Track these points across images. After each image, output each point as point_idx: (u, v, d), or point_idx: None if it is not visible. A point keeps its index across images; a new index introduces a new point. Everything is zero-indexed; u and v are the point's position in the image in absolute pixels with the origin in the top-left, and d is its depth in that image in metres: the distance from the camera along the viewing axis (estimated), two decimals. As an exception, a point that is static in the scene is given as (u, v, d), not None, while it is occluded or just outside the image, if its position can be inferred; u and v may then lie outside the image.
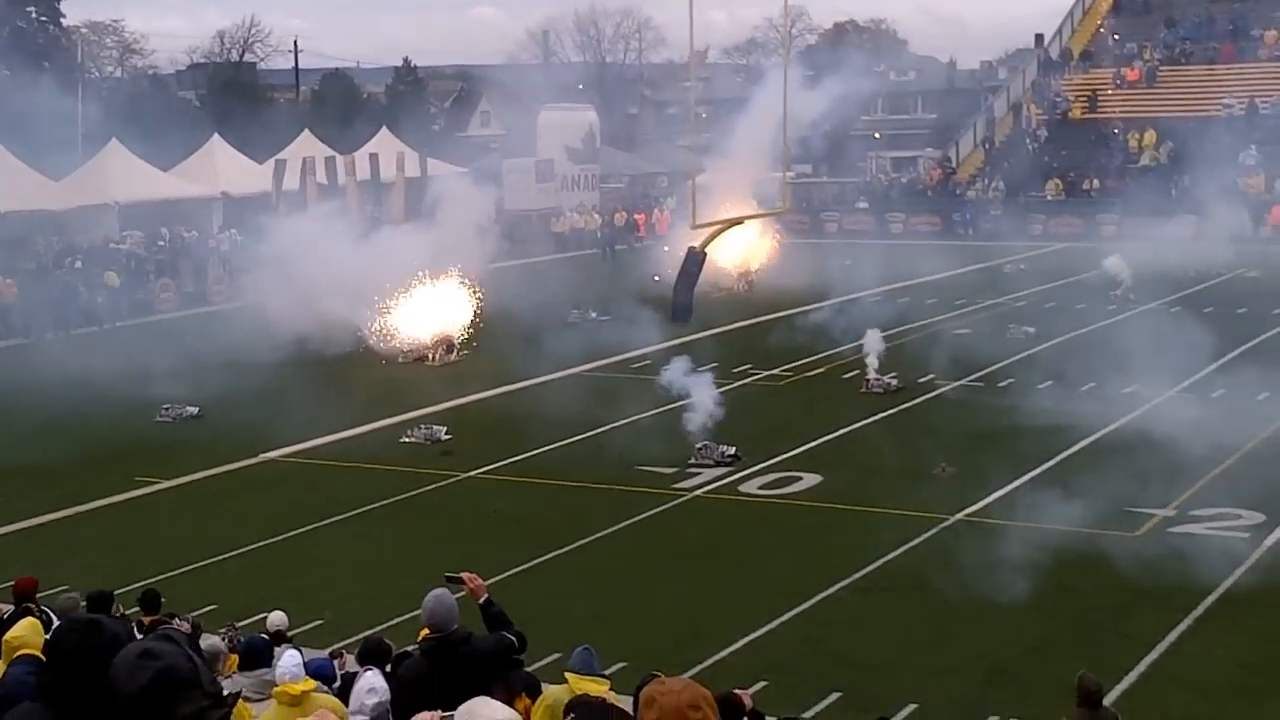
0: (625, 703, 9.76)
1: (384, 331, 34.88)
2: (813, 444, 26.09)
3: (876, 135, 78.20)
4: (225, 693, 4.20)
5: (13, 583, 14.00)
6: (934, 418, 28.00)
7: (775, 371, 32.96)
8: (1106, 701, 12.28)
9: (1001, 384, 30.66)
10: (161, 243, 49.88)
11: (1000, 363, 32.38)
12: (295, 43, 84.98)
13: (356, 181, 51.57)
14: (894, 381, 30.38)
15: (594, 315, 40.84)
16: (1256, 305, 39.64)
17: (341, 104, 76.03)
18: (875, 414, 28.34)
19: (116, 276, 44.66)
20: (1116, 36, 73.05)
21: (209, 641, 11.92)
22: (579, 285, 44.71)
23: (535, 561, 19.75)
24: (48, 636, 4.66)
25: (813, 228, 64.35)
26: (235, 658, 12.47)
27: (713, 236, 41.94)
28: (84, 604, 13.64)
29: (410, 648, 11.73)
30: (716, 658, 16.12)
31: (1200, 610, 17.17)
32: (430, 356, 35.14)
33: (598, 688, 10.34)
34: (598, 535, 20.97)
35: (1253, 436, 24.97)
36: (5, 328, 41.20)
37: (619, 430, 27.08)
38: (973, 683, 15.31)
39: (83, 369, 32.70)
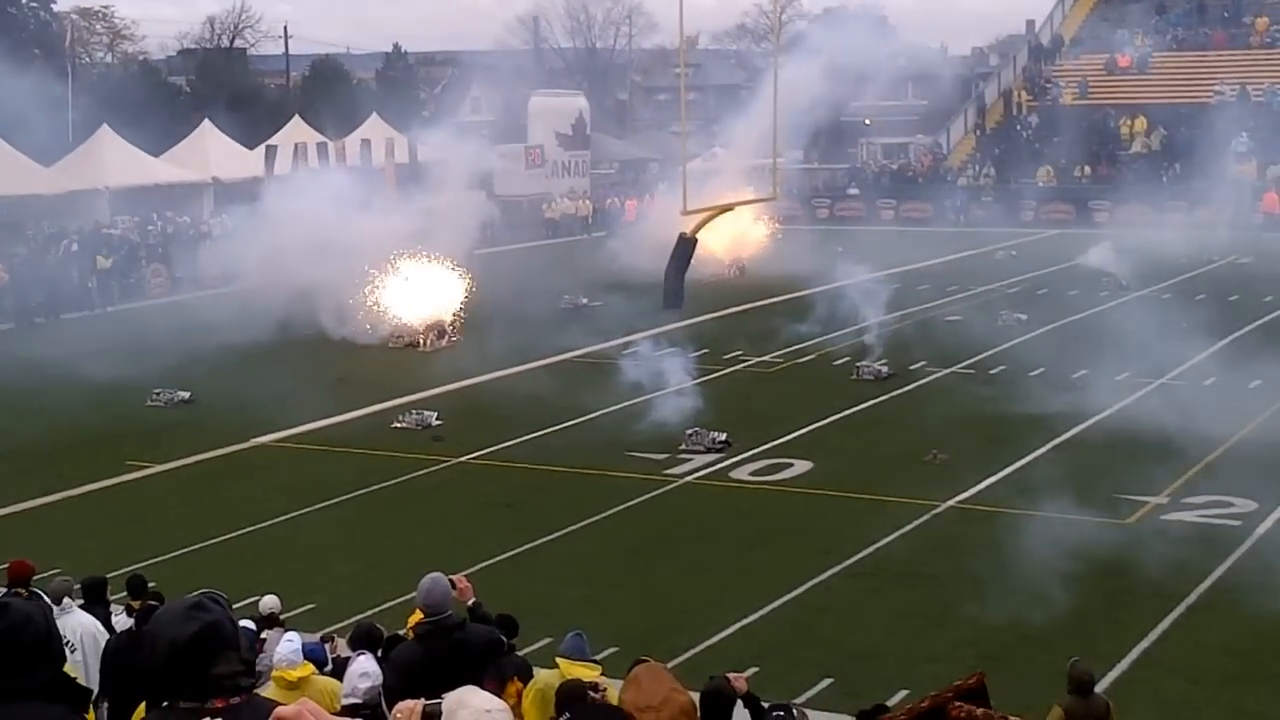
0: (616, 686, 9.79)
1: (374, 313, 34.82)
2: (804, 430, 26.09)
3: (867, 121, 78.08)
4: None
5: (7, 566, 14.00)
6: (925, 405, 28.00)
7: (766, 358, 32.94)
8: (1098, 689, 12.27)
9: (993, 371, 30.67)
10: (152, 228, 49.80)
11: (992, 350, 32.39)
12: (285, 28, 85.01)
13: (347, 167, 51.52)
14: (885, 368, 30.40)
15: (584, 301, 40.86)
16: (1248, 292, 39.67)
17: (332, 90, 75.82)
18: (866, 401, 28.33)
19: (107, 260, 44.58)
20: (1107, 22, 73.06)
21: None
22: (570, 271, 44.64)
23: (526, 547, 19.74)
24: None
25: (804, 214, 64.34)
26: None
27: (703, 223, 41.90)
28: (78, 587, 13.68)
29: (401, 632, 11.72)
30: (708, 643, 16.12)
31: (1192, 598, 17.17)
32: (422, 342, 35.11)
33: (589, 673, 10.35)
34: (589, 521, 20.96)
35: (1244, 424, 24.96)
36: (-2, 311, 41.16)
37: (610, 416, 27.06)
38: (964, 669, 15.19)
39: (74, 353, 32.65)
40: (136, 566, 17.87)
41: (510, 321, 35.87)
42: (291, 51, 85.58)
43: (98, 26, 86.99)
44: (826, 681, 15.01)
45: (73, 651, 11.90)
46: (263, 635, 12.78)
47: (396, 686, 9.31)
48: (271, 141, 54.41)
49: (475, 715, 4.86)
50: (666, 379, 28.54)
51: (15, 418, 28.18)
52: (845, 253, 46.32)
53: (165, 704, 4.24)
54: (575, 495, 22.19)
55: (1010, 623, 16.29)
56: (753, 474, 23.40)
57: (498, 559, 19.00)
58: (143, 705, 8.51)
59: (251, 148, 55.94)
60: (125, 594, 14.58)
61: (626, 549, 19.93)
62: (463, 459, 24.72)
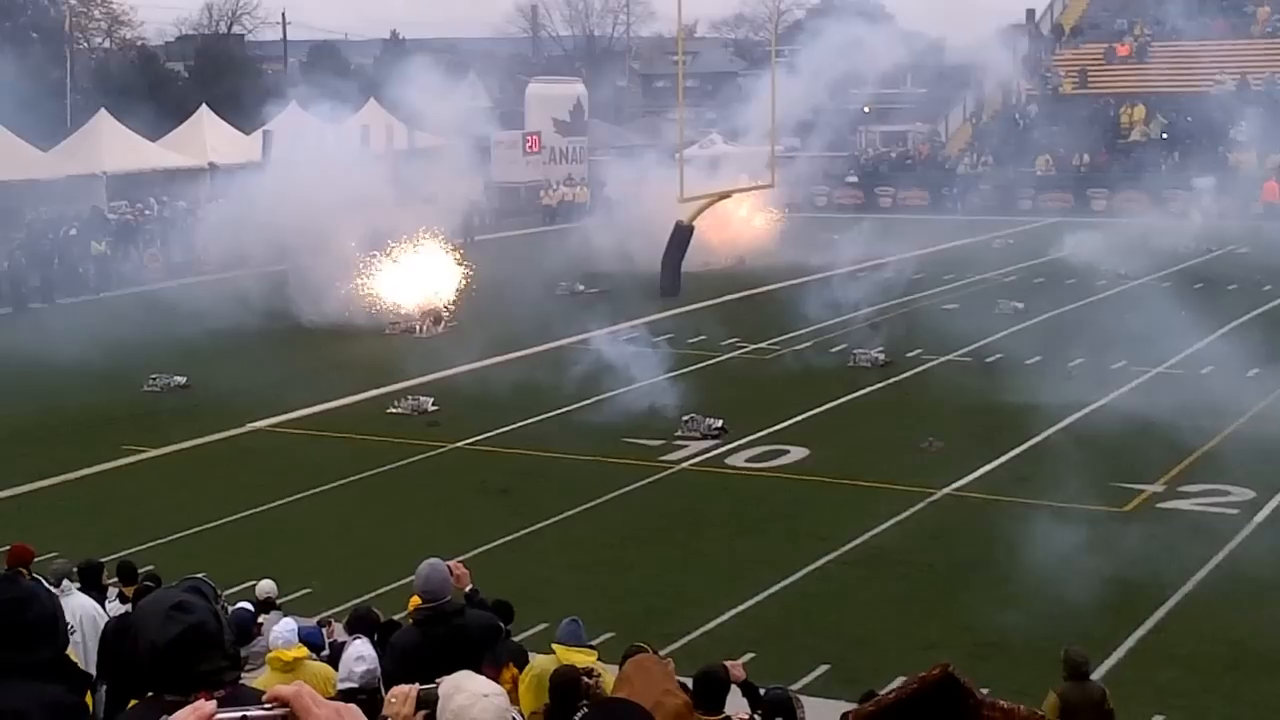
0: (612, 671, 9.77)
1: (369, 298, 34.80)
2: (800, 417, 26.07)
3: (866, 109, 77.89)
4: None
5: (7, 549, 13.99)
6: (922, 393, 27.98)
7: (763, 345, 32.92)
8: (1095, 677, 12.27)
9: (990, 359, 30.63)
10: (149, 212, 49.74)
11: (988, 338, 32.34)
12: (283, 15, 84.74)
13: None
14: (882, 356, 30.38)
15: (581, 288, 40.81)
16: (1247, 281, 39.62)
17: (329, 75, 75.61)
18: (863, 388, 28.31)
19: (104, 245, 44.53)
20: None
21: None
22: (566, 257, 44.54)
23: (522, 532, 19.75)
24: None
25: (802, 202, 64.18)
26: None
27: (700, 210, 41.81)
28: (75, 570, 13.67)
29: (398, 617, 11.72)
30: (703, 629, 16.14)
31: (1189, 586, 17.19)
32: (418, 328, 35.08)
33: (584, 658, 10.35)
34: (584, 507, 20.96)
35: (1242, 413, 24.93)
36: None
37: (606, 402, 27.03)
38: (959, 656, 15.26)
39: (71, 338, 32.58)
40: (133, 551, 17.88)
41: (506, 307, 35.84)
42: (289, 38, 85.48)
43: (96, 12, 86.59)
44: (823, 668, 15.02)
45: (72, 634, 11.89)
46: (260, 620, 12.79)
47: (395, 671, 9.29)
48: (269, 127, 54.28)
49: (472, 699, 4.83)
50: (662, 365, 28.54)
51: (11, 402, 28.12)
52: (842, 240, 46.22)
53: (150, 694, 4.23)
54: (571, 481, 22.18)
55: (1006, 610, 16.28)
56: (749, 460, 23.39)
57: (493, 544, 19.00)
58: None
59: (249, 133, 55.84)
60: (116, 579, 14.59)
61: (622, 535, 19.93)
62: (458, 444, 24.72)
